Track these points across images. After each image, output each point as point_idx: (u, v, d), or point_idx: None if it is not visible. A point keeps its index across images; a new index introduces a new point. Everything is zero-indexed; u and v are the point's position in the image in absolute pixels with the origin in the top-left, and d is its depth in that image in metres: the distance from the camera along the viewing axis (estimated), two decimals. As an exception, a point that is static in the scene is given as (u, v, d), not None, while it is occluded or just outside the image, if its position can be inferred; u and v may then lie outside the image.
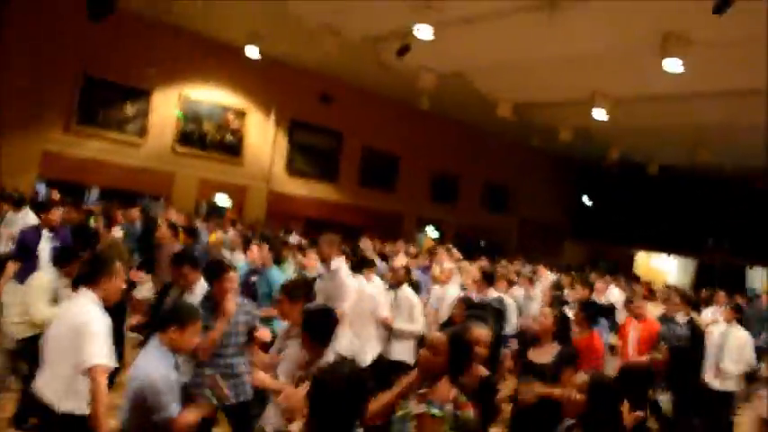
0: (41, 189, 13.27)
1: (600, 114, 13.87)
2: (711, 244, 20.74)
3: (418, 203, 20.44)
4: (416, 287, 7.52)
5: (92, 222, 9.41)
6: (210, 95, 15.96)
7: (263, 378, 3.75)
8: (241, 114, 16.49)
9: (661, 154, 19.42)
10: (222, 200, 16.97)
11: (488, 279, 7.52)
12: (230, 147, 16.43)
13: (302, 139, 17.76)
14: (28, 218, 7.65)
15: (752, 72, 10.34)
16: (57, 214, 6.50)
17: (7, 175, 12.25)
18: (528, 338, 5.54)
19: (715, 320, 7.98)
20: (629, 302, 7.42)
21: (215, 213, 16.15)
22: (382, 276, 7.77)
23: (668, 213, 21.58)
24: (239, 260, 7.80)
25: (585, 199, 25.37)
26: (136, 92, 14.85)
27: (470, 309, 5.59)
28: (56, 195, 9.95)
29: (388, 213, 19.51)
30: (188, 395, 3.50)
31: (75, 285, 4.74)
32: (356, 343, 5.65)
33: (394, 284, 6.95)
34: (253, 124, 16.73)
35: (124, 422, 3.20)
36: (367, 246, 12.16)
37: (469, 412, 2.77)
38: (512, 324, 7.65)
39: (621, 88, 13.24)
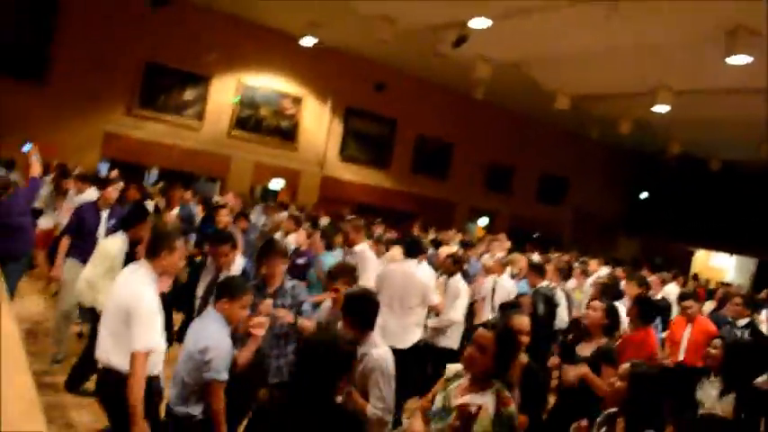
0: (103, 169, 13.70)
1: (662, 107, 13.49)
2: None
3: (471, 192, 20.31)
4: (465, 275, 7.51)
5: (150, 203, 9.67)
6: (267, 82, 16.17)
7: None
8: (297, 101, 16.66)
9: (724, 149, 18.80)
10: (276, 184, 17.21)
11: (538, 270, 7.44)
12: (286, 132, 16.63)
13: (356, 126, 17.84)
14: (91, 196, 7.83)
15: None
16: (114, 191, 6.61)
17: (71, 154, 12.70)
18: (577, 332, 5.43)
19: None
20: (681, 299, 7.19)
21: (269, 197, 16.41)
22: (431, 263, 7.77)
23: (729, 211, 20.85)
24: (290, 243, 7.93)
25: (643, 194, 24.74)
26: (195, 77, 15.18)
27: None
28: (115, 173, 10.21)
29: (439, 201, 19.46)
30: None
31: (124, 226, 4.98)
32: (397, 325, 5.66)
33: (445, 272, 6.94)
34: (308, 110, 16.90)
35: (176, 381, 3.35)
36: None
37: (512, 408, 2.75)
38: (561, 318, 7.54)
39: (685, 80, 12.82)
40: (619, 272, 10.92)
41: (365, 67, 17.02)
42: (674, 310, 8.48)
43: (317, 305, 6.18)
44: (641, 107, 14.49)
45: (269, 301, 3.99)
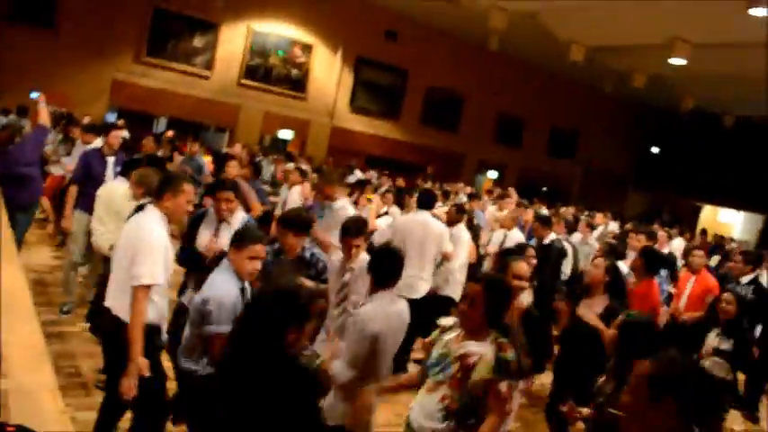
0: (111, 119, 13.68)
1: (678, 60, 13.24)
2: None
3: (481, 145, 20.17)
4: (472, 227, 7.55)
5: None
6: (277, 29, 15.96)
7: None
8: (308, 49, 16.46)
9: (738, 105, 18.49)
10: (285, 134, 17.15)
11: (546, 222, 7.43)
12: (295, 81, 16.48)
13: (367, 76, 17.65)
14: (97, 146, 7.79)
15: None
16: (116, 137, 6.55)
17: (79, 103, 12.68)
18: (580, 287, 5.46)
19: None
20: (686, 254, 7.21)
21: (278, 147, 16.39)
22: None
23: (739, 167, 20.64)
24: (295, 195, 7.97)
25: (654, 149, 24.48)
26: (204, 24, 15.00)
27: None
28: (121, 123, 10.16)
29: (449, 153, 19.37)
30: None
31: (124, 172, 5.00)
32: (414, 275, 5.70)
33: (449, 222, 6.96)
34: (319, 59, 16.70)
35: (188, 334, 3.34)
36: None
37: (511, 354, 2.75)
38: (563, 271, 7.60)
39: (702, 34, 12.53)
40: (629, 226, 10.92)
41: (376, 15, 16.76)
42: (680, 266, 8.50)
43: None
44: (657, 60, 14.22)
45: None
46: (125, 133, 7.33)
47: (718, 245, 13.92)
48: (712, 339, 4.68)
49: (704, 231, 16.75)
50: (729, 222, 23.32)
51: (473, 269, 7.56)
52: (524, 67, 19.44)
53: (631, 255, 6.99)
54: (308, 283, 3.97)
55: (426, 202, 6.22)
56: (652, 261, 5.55)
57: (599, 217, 11.16)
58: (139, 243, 3.29)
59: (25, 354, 2.82)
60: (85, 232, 5.83)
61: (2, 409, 2.20)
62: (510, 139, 20.80)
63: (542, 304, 4.41)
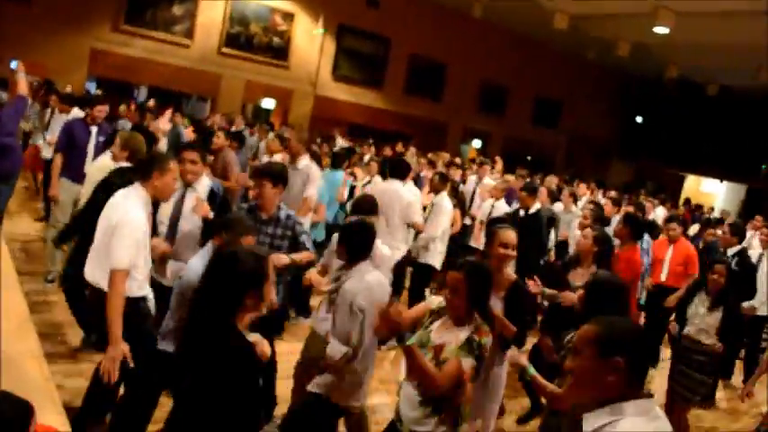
0: (91, 88, 13.47)
1: (662, 29, 13.23)
2: (767, 170, 20.07)
3: (465, 114, 20.11)
4: (456, 195, 7.58)
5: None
6: (258, -4, 15.69)
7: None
8: (289, 17, 16.22)
9: (722, 74, 18.55)
10: (268, 103, 16.99)
11: (532, 192, 7.45)
12: (277, 50, 16.27)
13: (349, 45, 17.46)
14: (76, 116, 7.70)
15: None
16: (102, 111, 6.51)
17: (58, 72, 12.42)
18: (566, 257, 5.50)
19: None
20: (667, 221, 7.29)
21: (261, 117, 16.25)
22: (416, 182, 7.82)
23: (723, 137, 20.81)
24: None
25: (638, 118, 24.57)
26: (183, -9, 14.71)
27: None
28: (99, 92, 9.99)
29: (433, 122, 19.31)
30: None
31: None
32: (383, 243, 5.72)
33: (432, 190, 6.98)
34: (300, 27, 16.47)
35: (168, 318, 3.35)
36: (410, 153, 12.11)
37: (487, 339, 2.76)
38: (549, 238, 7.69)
39: (686, 2, 12.52)
40: (613, 194, 11.02)
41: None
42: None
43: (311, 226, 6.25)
44: (641, 29, 14.21)
45: (284, 258, 3.90)
46: (106, 108, 7.18)
47: (696, 214, 14.11)
48: (701, 309, 4.73)
49: (687, 201, 16.96)
50: (712, 192, 23.55)
51: (458, 238, 7.63)
52: (508, 36, 19.31)
53: (614, 222, 7.07)
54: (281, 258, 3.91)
55: (397, 171, 6.21)
56: (635, 227, 5.62)
57: (582, 187, 11.23)
58: (120, 227, 3.26)
59: (9, 322, 2.81)
60: (72, 201, 5.82)
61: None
62: (494, 108, 20.75)
63: (525, 273, 4.41)
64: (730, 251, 7.07)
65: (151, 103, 12.41)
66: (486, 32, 18.66)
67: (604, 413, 1.80)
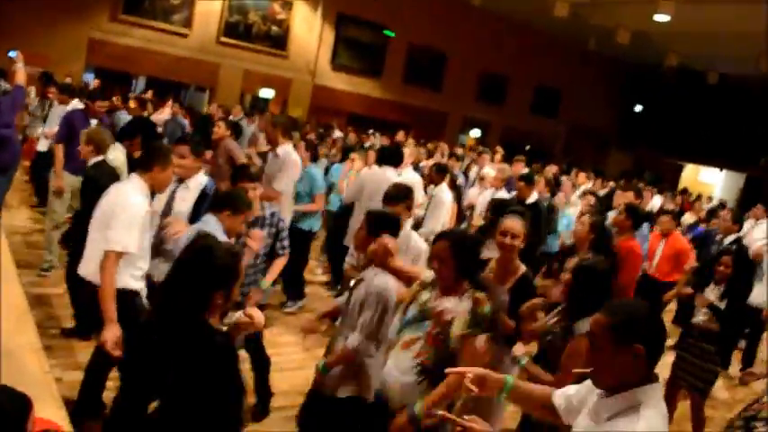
0: (89, 80, 13.43)
1: (662, 16, 13.16)
2: (766, 159, 19.99)
3: (464, 103, 20.05)
4: (455, 186, 7.55)
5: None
6: (257, -16, 15.61)
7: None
8: (287, 5, 16.14)
9: (722, 62, 18.48)
10: (267, 93, 16.95)
11: (529, 182, 7.41)
12: (276, 39, 16.20)
13: (348, 34, 17.39)
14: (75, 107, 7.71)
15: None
16: (104, 105, 6.54)
17: (56, 63, 12.37)
18: (565, 248, 5.49)
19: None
20: (659, 214, 7.27)
21: (258, 106, 16.20)
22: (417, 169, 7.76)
23: (722, 126, 20.73)
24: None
25: (637, 107, 24.47)
26: (181, -21, 14.63)
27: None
28: (96, 83, 9.97)
29: (432, 112, 19.25)
30: None
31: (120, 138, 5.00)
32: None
33: (430, 182, 6.95)
34: (299, 16, 16.40)
35: None
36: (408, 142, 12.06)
37: (487, 307, 2.75)
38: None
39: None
40: (612, 184, 11.02)
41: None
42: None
43: (305, 215, 6.26)
44: (642, 16, 14.12)
45: (259, 232, 3.89)
46: (106, 103, 7.17)
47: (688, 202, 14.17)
48: (711, 297, 4.75)
49: (685, 190, 16.94)
50: (710, 182, 23.52)
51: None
52: (508, 24, 19.20)
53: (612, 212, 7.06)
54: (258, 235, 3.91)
55: (390, 158, 6.18)
56: (635, 217, 5.61)
57: (582, 176, 11.22)
58: (119, 210, 3.27)
59: (8, 315, 2.81)
60: (70, 193, 5.93)
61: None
62: (493, 97, 20.68)
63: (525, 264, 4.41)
64: (728, 238, 7.08)
65: (149, 94, 12.37)
66: (485, 21, 18.56)
67: (620, 400, 1.82)
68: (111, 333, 3.11)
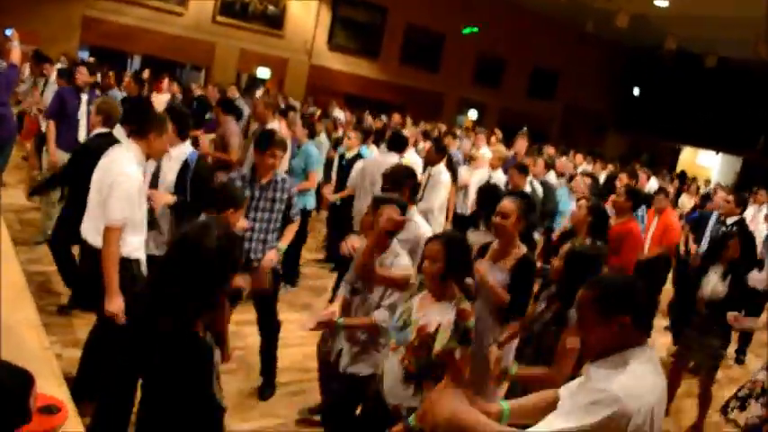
0: (84, 56, 13.32)
1: (661, 1, 13.10)
2: (763, 143, 20.02)
3: (461, 84, 19.98)
4: (454, 171, 7.52)
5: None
6: (253, -38, 15.46)
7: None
8: (283, -16, 16.02)
9: (721, 46, 18.42)
10: (263, 72, 16.84)
11: (523, 170, 7.34)
12: (272, 18, 16.08)
13: (345, 13, 17.25)
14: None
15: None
16: (83, 74, 6.46)
17: (50, 40, 12.25)
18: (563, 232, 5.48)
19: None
20: (656, 194, 7.28)
21: (256, 86, 16.09)
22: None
23: (720, 109, 20.73)
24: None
25: (635, 90, 24.41)
26: (177, -44, 14.48)
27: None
28: (90, 59, 9.88)
29: (429, 93, 19.18)
30: None
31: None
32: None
33: (428, 162, 6.89)
34: (295, -5, 16.27)
35: None
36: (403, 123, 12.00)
37: (471, 322, 2.70)
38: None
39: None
40: (611, 168, 11.02)
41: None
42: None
43: (301, 192, 6.23)
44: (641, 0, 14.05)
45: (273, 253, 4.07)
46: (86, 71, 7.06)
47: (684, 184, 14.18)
48: (713, 277, 4.77)
49: (683, 173, 16.95)
50: (708, 165, 23.55)
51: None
52: (506, 5, 19.10)
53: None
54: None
55: (395, 144, 6.16)
56: (637, 199, 5.62)
57: (579, 158, 11.21)
58: (116, 182, 3.25)
59: (7, 291, 2.80)
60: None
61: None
62: (490, 79, 20.61)
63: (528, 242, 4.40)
64: (729, 220, 7.09)
65: (145, 74, 12.27)
66: (483, 2, 18.45)
67: (608, 362, 1.84)
68: (116, 305, 3.15)
